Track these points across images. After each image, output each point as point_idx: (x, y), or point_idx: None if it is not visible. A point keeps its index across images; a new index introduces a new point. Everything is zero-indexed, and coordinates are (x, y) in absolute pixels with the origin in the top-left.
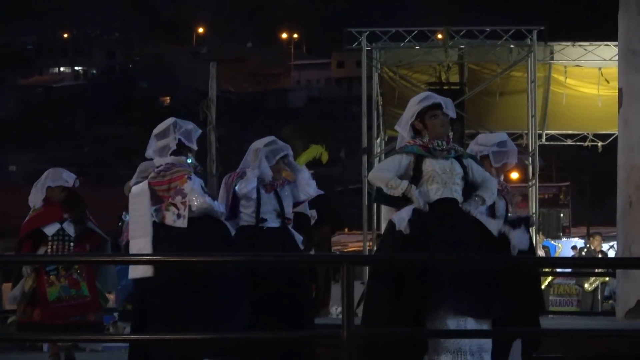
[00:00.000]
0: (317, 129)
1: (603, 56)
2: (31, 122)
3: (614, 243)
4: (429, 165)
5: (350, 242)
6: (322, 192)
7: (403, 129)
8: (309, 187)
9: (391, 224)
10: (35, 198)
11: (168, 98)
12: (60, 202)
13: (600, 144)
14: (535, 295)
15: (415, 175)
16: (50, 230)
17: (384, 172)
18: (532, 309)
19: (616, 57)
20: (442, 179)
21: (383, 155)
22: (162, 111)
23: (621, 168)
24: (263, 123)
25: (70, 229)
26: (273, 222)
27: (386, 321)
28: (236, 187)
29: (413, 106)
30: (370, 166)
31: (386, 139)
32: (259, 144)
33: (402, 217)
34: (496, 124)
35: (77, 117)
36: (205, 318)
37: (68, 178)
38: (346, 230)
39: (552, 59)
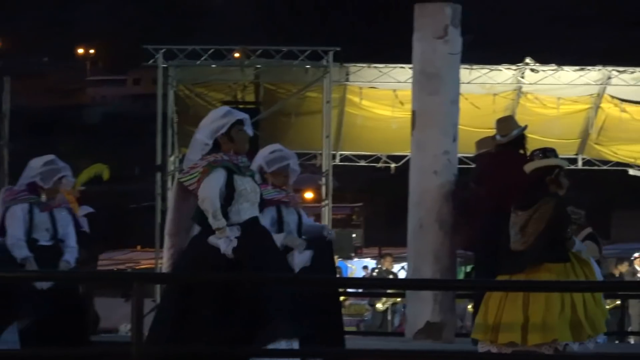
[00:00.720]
0: (112, 145)
1: (398, 78)
2: None
3: (405, 264)
4: (240, 183)
5: (142, 260)
6: (92, 210)
7: (208, 138)
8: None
9: (209, 246)
10: None
11: None
12: None
13: (393, 165)
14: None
15: (228, 193)
16: None
17: (215, 197)
18: (336, 328)
19: (411, 80)
20: (250, 198)
21: (177, 173)
22: None
23: (413, 190)
24: (59, 139)
25: None
26: (45, 241)
27: (204, 339)
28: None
29: (220, 119)
30: (164, 184)
31: (180, 157)
32: (37, 162)
33: (227, 241)
34: (291, 143)
35: None
36: None
37: None
38: (139, 247)
39: (347, 80)
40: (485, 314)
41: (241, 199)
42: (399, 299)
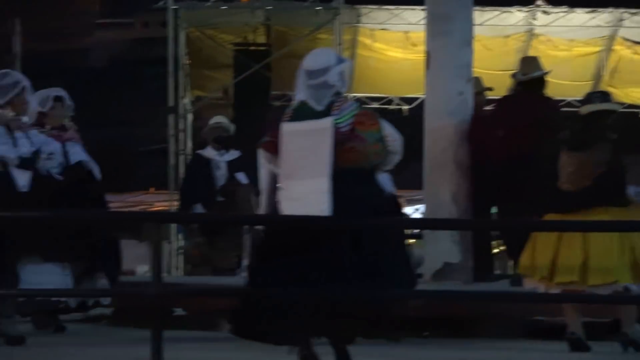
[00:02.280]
0: (120, 89)
1: (409, 20)
2: None
3: (420, 206)
4: None
5: (156, 202)
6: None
7: (336, 82)
8: None
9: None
10: None
11: None
12: None
13: (406, 107)
14: None
15: None
16: None
17: None
18: None
19: (423, 21)
20: None
21: (189, 115)
22: None
23: (428, 131)
24: (64, 81)
25: None
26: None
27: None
28: None
29: (340, 62)
30: (177, 126)
31: (193, 99)
32: None
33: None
34: None
35: None
36: None
37: None
38: (152, 190)
39: (358, 22)
40: (533, 255)
41: None
42: (412, 241)
